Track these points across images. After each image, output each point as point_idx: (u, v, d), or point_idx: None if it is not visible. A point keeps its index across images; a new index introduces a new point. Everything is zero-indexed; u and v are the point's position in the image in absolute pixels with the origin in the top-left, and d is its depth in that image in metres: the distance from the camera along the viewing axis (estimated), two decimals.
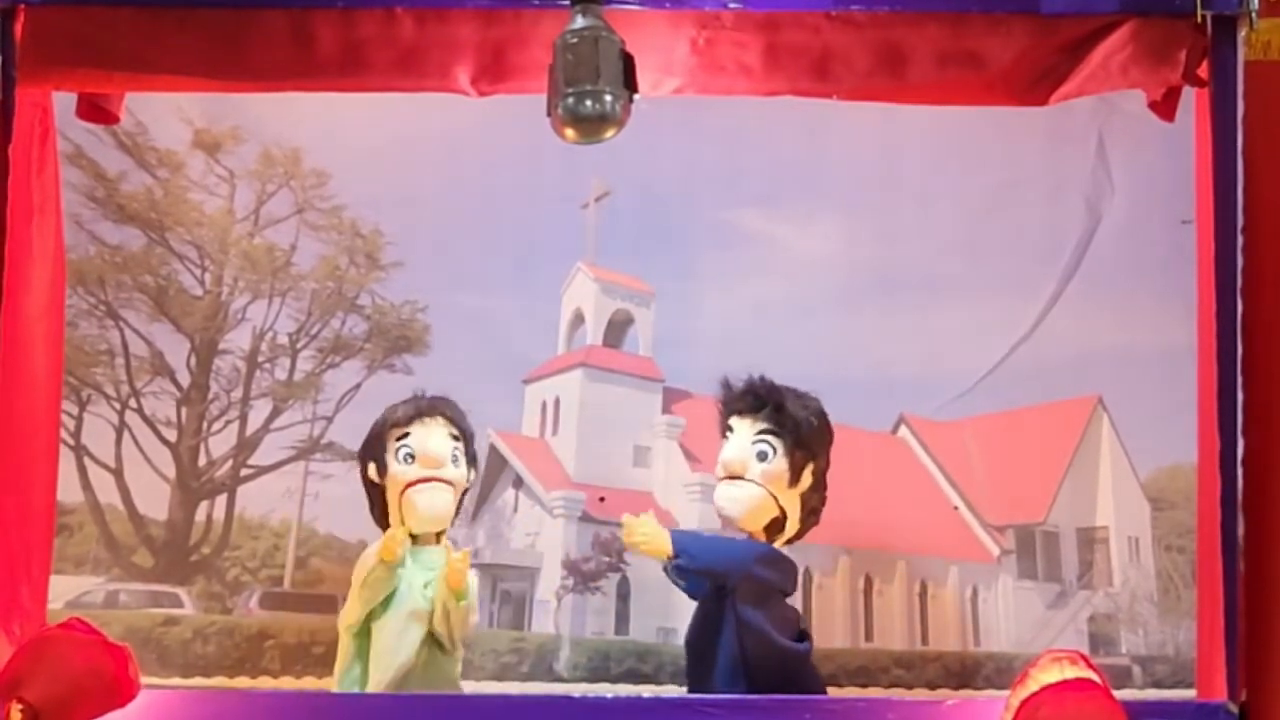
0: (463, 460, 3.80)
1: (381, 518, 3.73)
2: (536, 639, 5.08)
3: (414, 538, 3.71)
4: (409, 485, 3.71)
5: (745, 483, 3.72)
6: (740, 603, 3.60)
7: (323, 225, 5.18)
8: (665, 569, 3.64)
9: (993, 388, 4.99)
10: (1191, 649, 3.77)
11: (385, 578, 3.58)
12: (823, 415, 3.78)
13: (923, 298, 4.95)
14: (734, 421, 3.77)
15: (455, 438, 3.79)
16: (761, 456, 3.70)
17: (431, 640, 3.68)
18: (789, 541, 3.80)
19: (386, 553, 3.55)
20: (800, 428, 3.71)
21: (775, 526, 3.75)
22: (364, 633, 3.64)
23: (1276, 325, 3.37)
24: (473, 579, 3.67)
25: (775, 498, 3.71)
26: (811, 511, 3.75)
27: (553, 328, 5.32)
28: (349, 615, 3.64)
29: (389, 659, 3.61)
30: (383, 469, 3.74)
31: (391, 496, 3.72)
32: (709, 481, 5.09)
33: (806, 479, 3.71)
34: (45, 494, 3.59)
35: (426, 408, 3.79)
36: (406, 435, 3.74)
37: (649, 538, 3.58)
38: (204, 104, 5.00)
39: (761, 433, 3.72)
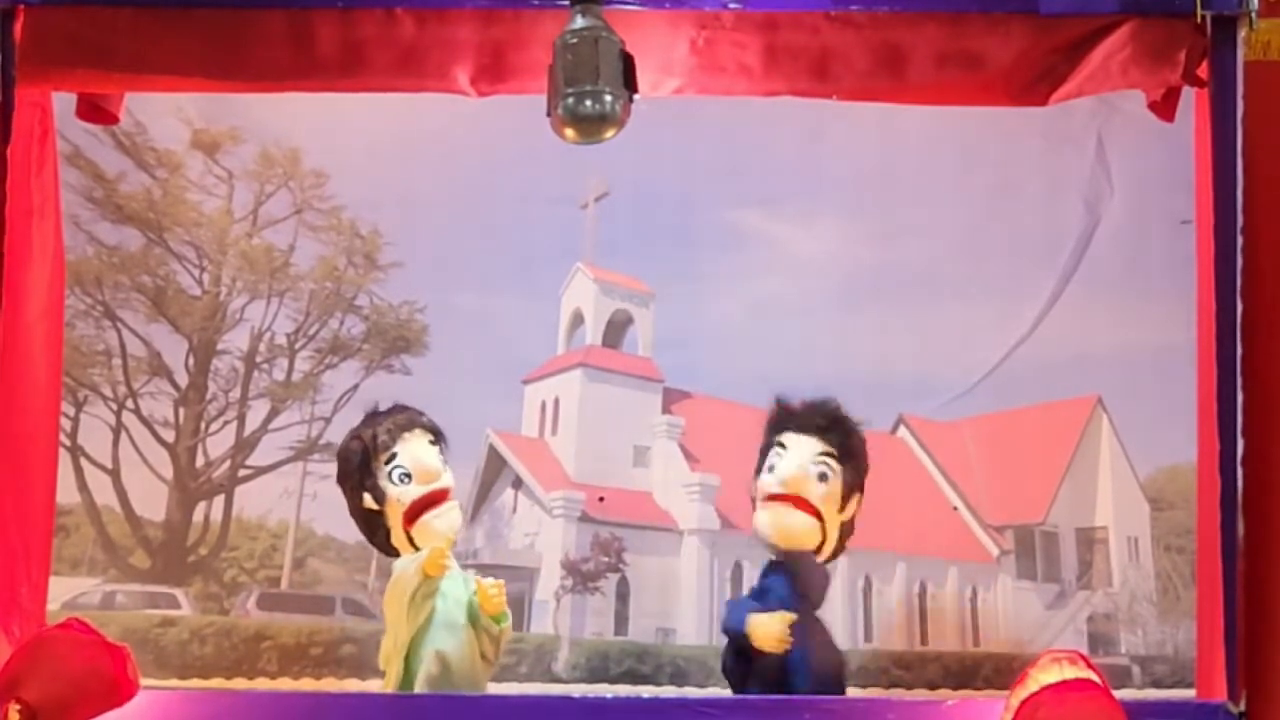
0: (446, 462, 3.79)
1: (385, 542, 3.70)
2: (535, 639, 5.07)
3: (416, 548, 3.71)
4: (417, 508, 3.68)
5: (800, 513, 3.61)
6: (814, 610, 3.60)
7: (321, 226, 5.17)
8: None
9: (992, 388, 4.99)
10: (1191, 649, 3.77)
11: (431, 593, 3.56)
12: (865, 448, 3.75)
13: (923, 298, 4.95)
14: (788, 437, 3.67)
15: (433, 443, 3.77)
16: (822, 478, 3.62)
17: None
18: None
19: (433, 567, 3.53)
20: (857, 457, 3.67)
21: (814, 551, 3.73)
22: (411, 654, 3.62)
23: (1276, 325, 3.37)
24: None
25: (824, 522, 3.66)
26: (843, 537, 3.71)
27: (552, 328, 5.31)
28: (400, 637, 3.58)
29: (465, 678, 3.60)
30: (380, 496, 3.70)
31: (394, 519, 3.69)
32: (709, 481, 5.15)
33: (852, 507, 3.66)
34: (45, 495, 3.59)
35: (404, 423, 3.76)
36: (394, 456, 3.71)
37: (774, 638, 3.48)
38: (203, 104, 4.99)
39: (824, 454, 3.62)
